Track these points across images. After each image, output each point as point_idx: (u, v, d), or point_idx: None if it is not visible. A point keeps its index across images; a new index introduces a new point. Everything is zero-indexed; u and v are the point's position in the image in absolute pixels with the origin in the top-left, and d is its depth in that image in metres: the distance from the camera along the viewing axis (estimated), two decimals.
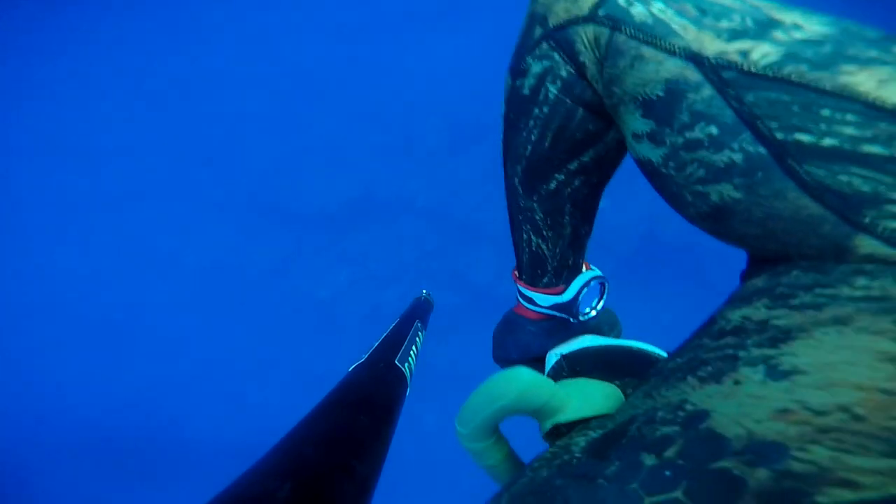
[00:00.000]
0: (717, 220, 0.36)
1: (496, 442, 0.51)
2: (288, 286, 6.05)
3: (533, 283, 0.62)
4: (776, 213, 0.32)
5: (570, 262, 0.59)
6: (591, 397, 0.47)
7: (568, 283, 0.61)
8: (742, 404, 0.27)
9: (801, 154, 0.30)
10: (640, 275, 5.16)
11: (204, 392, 5.18)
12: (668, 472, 0.26)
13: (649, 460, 0.28)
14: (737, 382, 0.29)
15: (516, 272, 0.65)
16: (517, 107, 0.48)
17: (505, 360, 0.70)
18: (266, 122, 6.84)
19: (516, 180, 0.53)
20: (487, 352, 0.71)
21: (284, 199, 6.45)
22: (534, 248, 0.58)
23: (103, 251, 5.84)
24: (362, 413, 0.68)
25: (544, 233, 0.55)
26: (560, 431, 0.47)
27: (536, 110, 0.46)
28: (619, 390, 0.49)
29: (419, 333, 0.92)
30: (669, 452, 0.27)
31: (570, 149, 0.48)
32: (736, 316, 0.34)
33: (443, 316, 5.55)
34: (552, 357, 0.60)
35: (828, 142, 0.29)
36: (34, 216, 5.73)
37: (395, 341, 0.81)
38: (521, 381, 0.45)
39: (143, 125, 6.73)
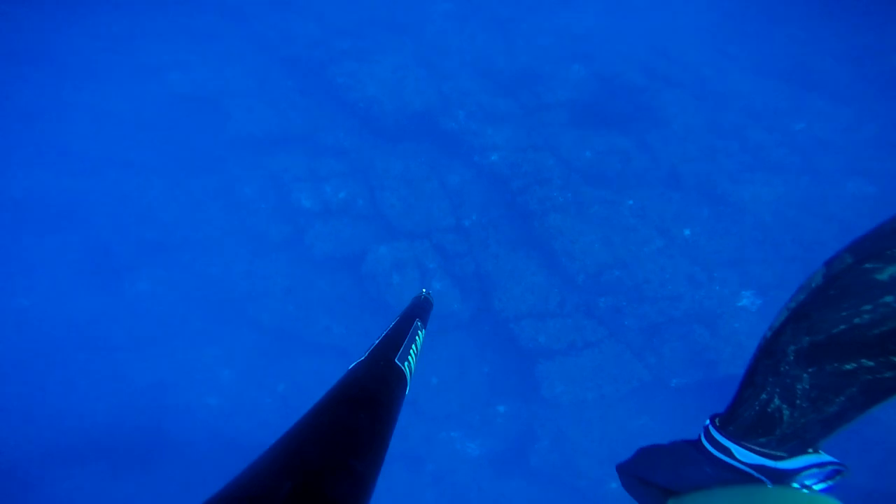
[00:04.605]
0: None
1: None
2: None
3: (742, 438, 0.72)
4: None
5: (809, 436, 0.68)
6: None
7: (791, 453, 0.70)
8: None
9: None
10: None
11: (205, 391, 5.65)
12: None
13: None
14: None
15: (718, 420, 0.76)
16: (852, 287, 0.59)
17: (637, 477, 0.82)
18: None
19: (791, 347, 0.64)
20: None
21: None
22: (769, 410, 0.68)
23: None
24: (362, 411, 0.84)
25: (797, 402, 0.65)
26: None
27: (891, 299, 0.56)
28: None
29: (419, 332, 1.08)
30: None
31: None
32: None
33: None
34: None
35: None
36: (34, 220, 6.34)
37: (395, 340, 0.97)
38: None
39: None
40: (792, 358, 0.64)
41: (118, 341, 5.87)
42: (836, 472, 0.71)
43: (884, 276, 0.57)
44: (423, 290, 1.40)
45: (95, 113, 7.24)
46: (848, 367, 0.60)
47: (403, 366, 0.94)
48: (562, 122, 7.47)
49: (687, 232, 6.52)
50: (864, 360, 0.59)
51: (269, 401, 5.73)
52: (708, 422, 0.78)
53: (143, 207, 6.61)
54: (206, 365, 5.87)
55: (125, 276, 6.22)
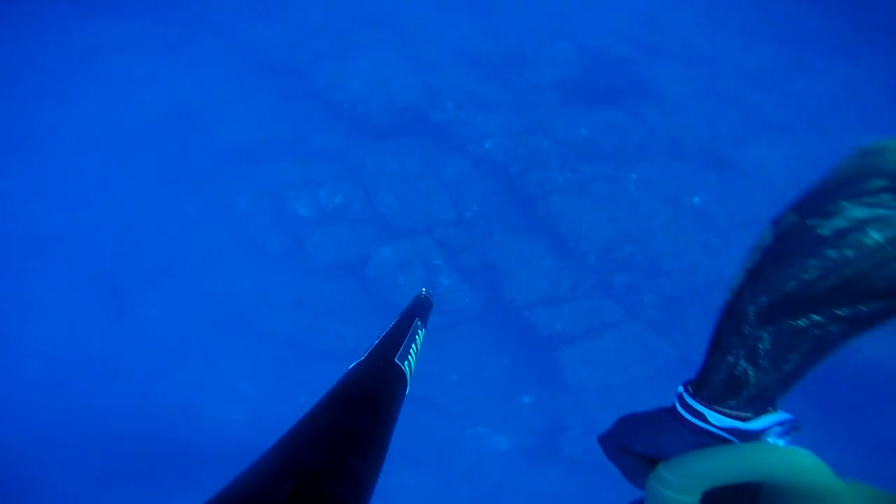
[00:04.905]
0: None
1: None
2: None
3: (714, 402, 0.75)
4: None
5: (770, 395, 0.72)
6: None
7: (757, 413, 0.74)
8: None
9: None
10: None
11: (230, 408, 5.70)
12: None
13: None
14: None
15: (691, 386, 0.80)
16: (799, 244, 0.64)
17: (619, 448, 0.84)
18: None
19: (751, 308, 0.68)
20: None
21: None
22: (736, 372, 0.72)
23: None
24: (362, 411, 0.85)
25: (760, 362, 0.69)
26: None
27: (833, 252, 0.61)
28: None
29: (419, 331, 1.08)
30: None
31: (854, 296, 0.61)
32: None
33: None
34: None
35: None
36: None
37: (395, 339, 0.97)
38: (826, 470, 0.62)
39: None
40: (752, 318, 0.68)
41: (139, 366, 5.92)
42: (793, 428, 0.75)
43: (825, 231, 0.62)
44: (423, 290, 1.39)
45: (74, 137, 7.25)
46: (800, 323, 0.64)
47: (403, 365, 0.94)
48: (553, 103, 7.43)
49: (696, 200, 6.48)
50: (813, 316, 0.63)
51: (292, 412, 5.72)
52: (681, 388, 0.81)
53: (141, 231, 6.64)
54: (227, 382, 5.91)
55: (136, 302, 6.26)
